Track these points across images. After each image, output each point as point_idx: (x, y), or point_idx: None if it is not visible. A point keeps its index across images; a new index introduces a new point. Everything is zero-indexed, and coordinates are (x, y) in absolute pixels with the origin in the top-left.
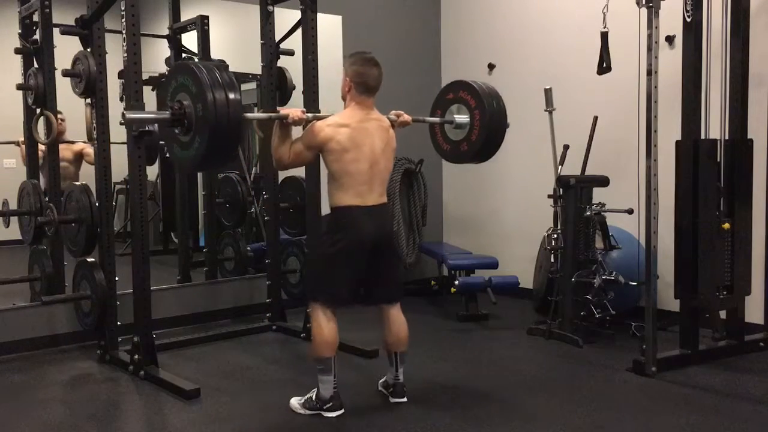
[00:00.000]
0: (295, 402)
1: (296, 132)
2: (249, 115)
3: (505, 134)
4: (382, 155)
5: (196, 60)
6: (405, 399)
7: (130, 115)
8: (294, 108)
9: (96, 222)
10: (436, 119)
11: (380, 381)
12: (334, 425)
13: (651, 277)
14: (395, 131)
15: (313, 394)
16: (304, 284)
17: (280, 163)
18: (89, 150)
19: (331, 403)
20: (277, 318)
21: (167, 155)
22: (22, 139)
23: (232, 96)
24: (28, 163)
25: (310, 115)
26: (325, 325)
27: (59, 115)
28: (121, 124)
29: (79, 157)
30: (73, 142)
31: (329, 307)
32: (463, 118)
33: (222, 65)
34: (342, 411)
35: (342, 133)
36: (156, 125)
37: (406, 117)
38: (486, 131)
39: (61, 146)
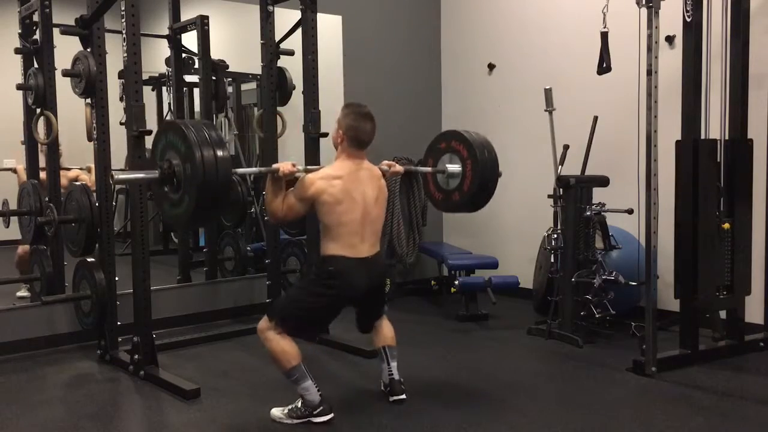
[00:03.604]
0: (277, 412)
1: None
2: (239, 170)
3: (497, 185)
4: (375, 205)
5: (197, 60)
6: (404, 396)
7: (120, 176)
8: (284, 162)
9: (96, 222)
10: (428, 169)
11: (381, 382)
12: (334, 425)
13: (651, 277)
14: (386, 180)
15: (298, 402)
16: (278, 307)
17: (274, 216)
18: (85, 177)
19: (321, 408)
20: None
21: None
22: (21, 166)
23: (220, 154)
24: (28, 164)
25: (300, 167)
26: (280, 338)
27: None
28: (111, 180)
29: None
30: (68, 169)
31: (290, 336)
32: (455, 168)
33: (209, 123)
34: (332, 415)
35: (334, 186)
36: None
37: (398, 167)
38: (478, 181)
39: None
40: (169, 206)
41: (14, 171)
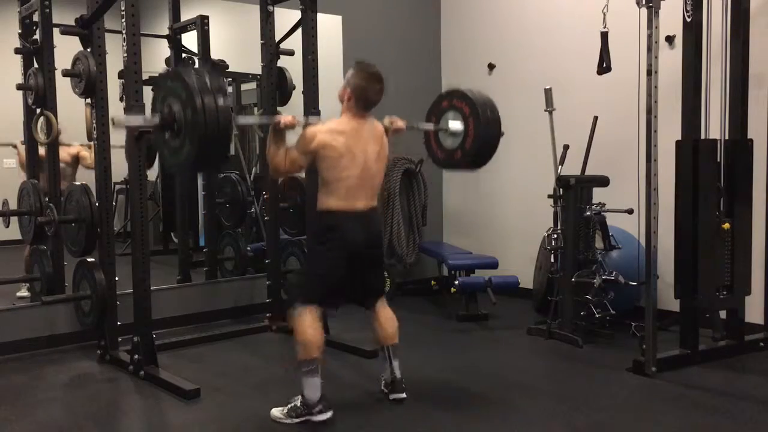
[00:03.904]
0: (277, 412)
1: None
2: (240, 119)
3: (499, 143)
4: (375, 162)
5: (197, 60)
6: (404, 395)
7: (122, 121)
8: (285, 115)
9: (96, 222)
10: (430, 126)
11: (381, 380)
12: (333, 424)
13: (651, 277)
14: (389, 138)
15: (296, 401)
16: (296, 287)
17: (276, 170)
18: (85, 153)
19: (320, 406)
20: (276, 318)
21: None
22: (20, 141)
23: (221, 101)
24: (28, 163)
25: (301, 119)
26: (310, 324)
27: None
28: (112, 124)
29: (76, 160)
30: (69, 145)
31: (323, 307)
32: (457, 125)
33: (214, 69)
34: (332, 413)
35: (337, 140)
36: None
37: (400, 123)
38: (480, 139)
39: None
40: (170, 154)
41: (14, 146)
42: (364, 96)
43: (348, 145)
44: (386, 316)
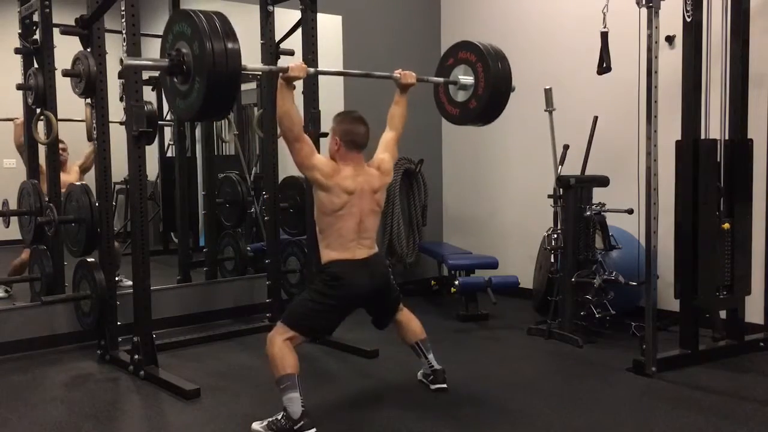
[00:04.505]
0: (257, 426)
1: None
2: (249, 65)
3: (512, 81)
4: (371, 212)
5: None
6: (445, 386)
7: (129, 61)
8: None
9: (96, 222)
10: (440, 80)
11: (418, 373)
12: (333, 424)
13: (651, 277)
14: (402, 99)
15: (279, 415)
16: (288, 311)
17: (282, 121)
18: (80, 162)
19: (302, 422)
20: (277, 318)
21: (167, 155)
22: (20, 119)
23: (230, 45)
24: (28, 163)
25: (312, 69)
26: (284, 346)
27: (61, 145)
28: (120, 65)
29: (80, 174)
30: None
31: (303, 336)
32: (467, 78)
33: (221, 15)
34: (314, 430)
35: (344, 178)
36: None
37: (410, 78)
38: (493, 80)
39: (62, 175)
40: (179, 98)
41: (14, 121)
42: (353, 139)
43: (348, 188)
44: (408, 317)
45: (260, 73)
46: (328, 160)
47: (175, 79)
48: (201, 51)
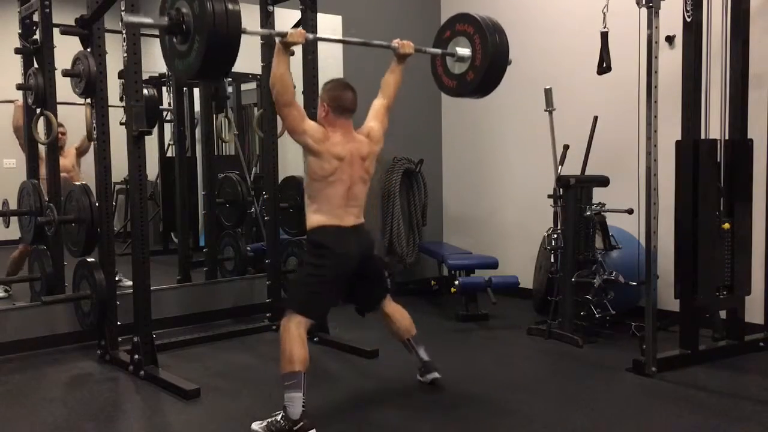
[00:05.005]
0: (256, 427)
1: None
2: (248, 29)
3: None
4: (360, 179)
5: None
6: (438, 374)
7: (129, 18)
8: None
9: (96, 222)
10: (438, 51)
11: (418, 374)
12: (333, 424)
13: (651, 277)
14: (398, 67)
15: (278, 415)
16: (287, 296)
17: (274, 85)
18: (77, 145)
19: (301, 423)
20: (277, 318)
21: (167, 155)
22: (19, 100)
23: (230, 5)
24: (28, 163)
25: (311, 36)
26: (297, 338)
27: (60, 128)
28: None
29: (77, 157)
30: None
31: (311, 319)
32: (465, 50)
33: None
34: (314, 430)
35: (334, 144)
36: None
37: (408, 47)
38: (490, 53)
39: (60, 159)
40: (177, 59)
41: (15, 102)
42: (341, 104)
43: (340, 155)
44: (398, 311)
45: (259, 36)
46: (319, 126)
47: (174, 39)
48: (201, 10)
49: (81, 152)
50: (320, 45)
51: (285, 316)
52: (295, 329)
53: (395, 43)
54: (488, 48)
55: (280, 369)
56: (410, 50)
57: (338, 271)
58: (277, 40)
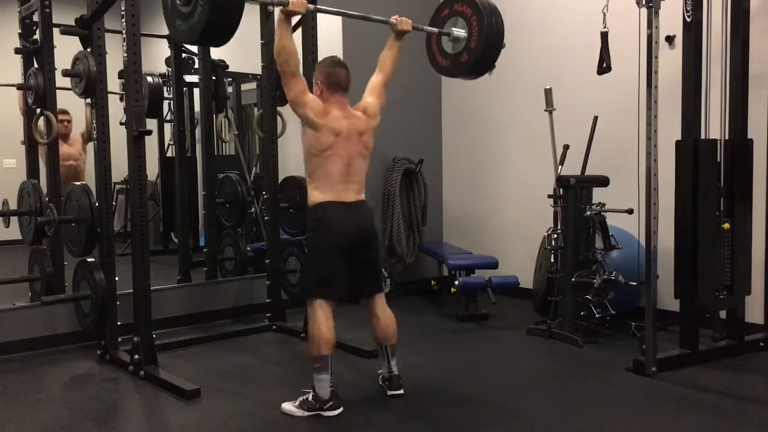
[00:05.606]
0: (288, 406)
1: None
2: None
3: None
4: (359, 155)
5: (197, 60)
6: (402, 391)
7: None
8: None
9: (96, 222)
10: (435, 29)
11: (378, 376)
12: (334, 424)
13: (651, 277)
14: (395, 44)
15: (308, 395)
16: (301, 286)
17: (279, 54)
18: (82, 131)
19: (330, 402)
20: (277, 318)
21: (167, 155)
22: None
23: None
24: (28, 163)
25: (311, 6)
26: (323, 322)
27: (66, 116)
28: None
29: (83, 144)
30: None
31: (328, 300)
32: (461, 32)
33: None
34: (342, 409)
35: (333, 119)
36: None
37: (406, 24)
38: (486, 36)
39: (65, 147)
40: (179, 20)
41: (17, 87)
42: (334, 81)
43: (337, 130)
44: (387, 315)
45: (259, 4)
46: (320, 101)
47: (178, 2)
48: None
49: (87, 139)
50: (320, 45)
51: (308, 305)
52: (319, 313)
53: (393, 19)
54: (484, 31)
55: (307, 352)
56: (408, 27)
57: (340, 247)
58: (277, 9)
